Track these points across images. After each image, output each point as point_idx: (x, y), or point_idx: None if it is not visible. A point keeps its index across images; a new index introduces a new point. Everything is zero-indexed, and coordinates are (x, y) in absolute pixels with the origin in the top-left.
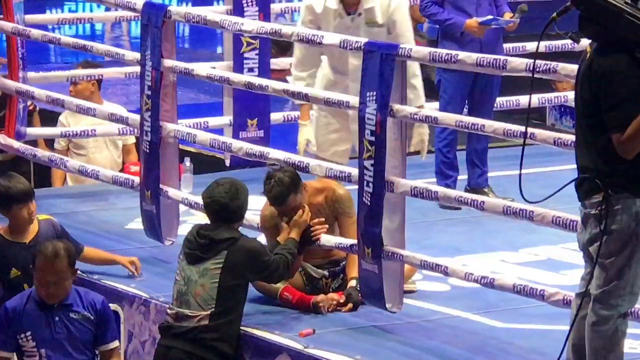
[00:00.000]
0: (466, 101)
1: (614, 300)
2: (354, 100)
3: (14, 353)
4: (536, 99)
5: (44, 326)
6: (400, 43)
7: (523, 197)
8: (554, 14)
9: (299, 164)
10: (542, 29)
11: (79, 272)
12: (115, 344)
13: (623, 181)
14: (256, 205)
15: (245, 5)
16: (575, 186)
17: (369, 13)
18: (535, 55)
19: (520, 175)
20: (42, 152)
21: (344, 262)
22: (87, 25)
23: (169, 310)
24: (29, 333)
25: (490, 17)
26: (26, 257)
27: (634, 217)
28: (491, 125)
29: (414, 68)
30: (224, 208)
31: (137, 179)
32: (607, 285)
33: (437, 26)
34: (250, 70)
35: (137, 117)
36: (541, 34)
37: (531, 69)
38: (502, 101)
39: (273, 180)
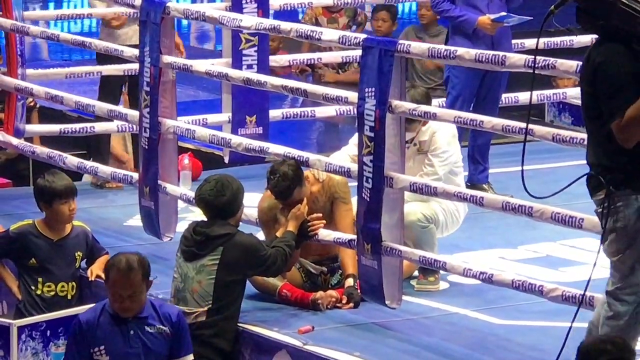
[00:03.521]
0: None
1: (628, 297)
2: (353, 96)
3: None
4: (535, 95)
5: (119, 340)
6: (430, 157)
7: (527, 191)
8: (552, 7)
9: (298, 158)
10: (541, 24)
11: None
12: (190, 357)
13: (623, 177)
14: (255, 202)
15: (244, 1)
16: (587, 183)
17: (423, 145)
18: (535, 51)
19: (522, 171)
20: (40, 149)
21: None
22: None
23: None
24: (102, 347)
25: (503, 13)
26: (47, 253)
27: (637, 214)
28: (490, 121)
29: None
30: (209, 205)
31: (135, 175)
32: (621, 282)
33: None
34: (249, 67)
35: (136, 113)
36: (540, 28)
37: (530, 65)
38: (502, 98)
39: (278, 174)
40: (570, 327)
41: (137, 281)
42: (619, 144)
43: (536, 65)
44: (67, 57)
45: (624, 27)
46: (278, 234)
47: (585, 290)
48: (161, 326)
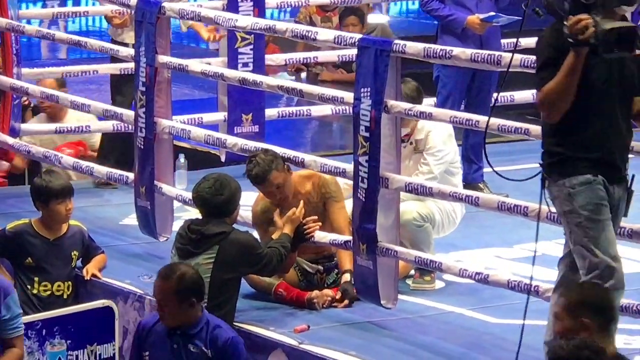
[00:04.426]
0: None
1: (598, 280)
2: (348, 96)
3: None
4: (530, 95)
5: (164, 351)
6: (426, 156)
7: (495, 171)
8: None
9: (294, 158)
10: (522, 13)
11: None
12: None
13: (555, 161)
14: (250, 201)
15: (239, 0)
16: None
17: (419, 144)
18: (514, 48)
19: (487, 158)
20: (36, 149)
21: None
22: None
23: None
24: (147, 353)
25: (492, 13)
26: (43, 251)
27: (568, 198)
28: (485, 120)
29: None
30: (207, 203)
31: (131, 175)
32: (583, 269)
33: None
34: (245, 65)
35: (131, 113)
36: (522, 20)
37: (526, 64)
38: (495, 97)
39: (254, 160)
40: (522, 325)
41: (167, 292)
42: (552, 128)
43: (532, 65)
44: (85, 56)
45: (557, 5)
46: (274, 236)
47: (531, 280)
48: (204, 348)
